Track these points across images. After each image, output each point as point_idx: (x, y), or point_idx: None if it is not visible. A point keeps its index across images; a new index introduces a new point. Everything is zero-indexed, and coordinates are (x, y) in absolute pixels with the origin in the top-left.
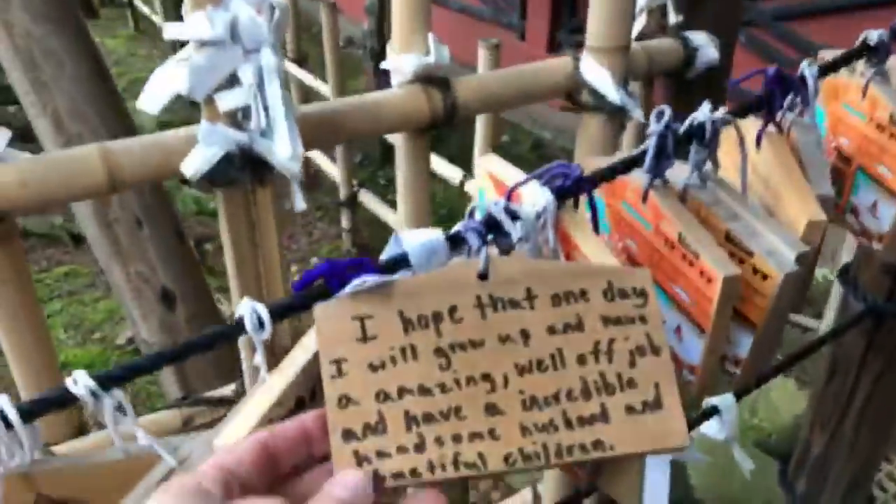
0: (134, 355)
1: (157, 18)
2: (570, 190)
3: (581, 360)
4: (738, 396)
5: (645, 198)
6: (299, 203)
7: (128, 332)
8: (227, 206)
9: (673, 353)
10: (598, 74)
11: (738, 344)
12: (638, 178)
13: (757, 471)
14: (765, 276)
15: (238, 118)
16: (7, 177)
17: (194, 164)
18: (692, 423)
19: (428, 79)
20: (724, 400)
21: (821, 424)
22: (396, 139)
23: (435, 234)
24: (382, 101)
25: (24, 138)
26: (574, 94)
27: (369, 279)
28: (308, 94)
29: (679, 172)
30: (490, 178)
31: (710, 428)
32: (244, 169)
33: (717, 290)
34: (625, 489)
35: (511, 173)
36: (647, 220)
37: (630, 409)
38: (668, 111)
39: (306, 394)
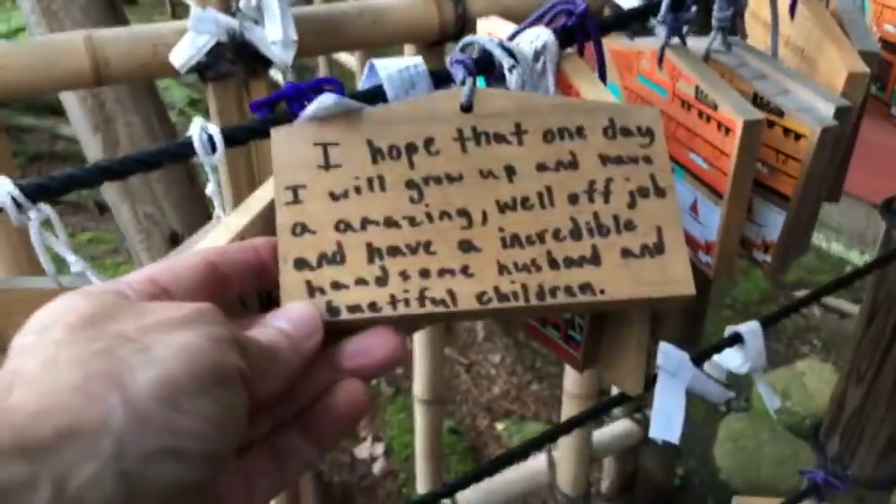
0: None
1: (192, 3)
2: (573, 30)
3: (573, 199)
4: (765, 325)
5: (661, 60)
6: None
7: None
8: (219, 101)
9: (688, 234)
10: None
11: (769, 224)
12: (655, 42)
13: (787, 455)
14: (798, 137)
15: (232, 9)
16: None
17: (184, 54)
18: (711, 353)
19: None
20: (749, 327)
21: (857, 376)
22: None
23: (415, 62)
24: (388, 8)
25: None
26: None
27: (333, 99)
28: (336, 72)
29: (701, 44)
30: None
31: (730, 359)
32: (236, 62)
33: (736, 138)
34: (624, 371)
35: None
36: (663, 86)
37: (626, 253)
38: None
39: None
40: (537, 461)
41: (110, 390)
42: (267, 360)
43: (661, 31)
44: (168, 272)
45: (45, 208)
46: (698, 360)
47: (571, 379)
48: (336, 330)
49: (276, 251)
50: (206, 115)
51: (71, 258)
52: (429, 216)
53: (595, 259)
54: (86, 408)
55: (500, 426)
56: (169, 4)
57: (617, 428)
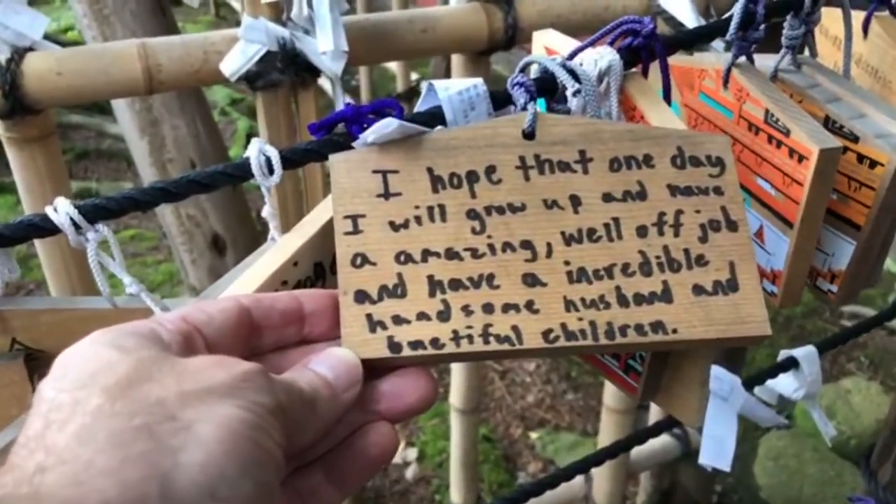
0: None
1: (236, 5)
2: (639, 49)
3: (641, 231)
4: (822, 349)
5: (726, 80)
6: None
7: (186, 295)
8: (267, 110)
9: None
10: (675, 0)
11: (837, 253)
12: (719, 61)
13: (831, 476)
14: (873, 164)
15: (282, 18)
16: (43, 64)
17: (235, 62)
18: (764, 378)
19: None
20: (805, 351)
21: None
22: (454, 67)
23: (475, 83)
24: (438, 17)
25: None
26: None
27: (395, 124)
28: (376, 85)
29: (768, 62)
30: (548, 54)
31: (784, 384)
32: (286, 71)
33: (811, 167)
34: (685, 404)
35: (573, 45)
36: (727, 107)
37: (698, 290)
38: None
39: (326, 261)
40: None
41: (147, 480)
42: (306, 412)
43: (718, 48)
44: (201, 312)
45: (103, 229)
46: (750, 384)
47: (611, 393)
48: (368, 368)
49: (321, 302)
50: (247, 114)
51: (127, 280)
52: (491, 248)
53: (666, 296)
54: (119, 500)
55: (534, 435)
56: (213, 5)
57: (654, 443)
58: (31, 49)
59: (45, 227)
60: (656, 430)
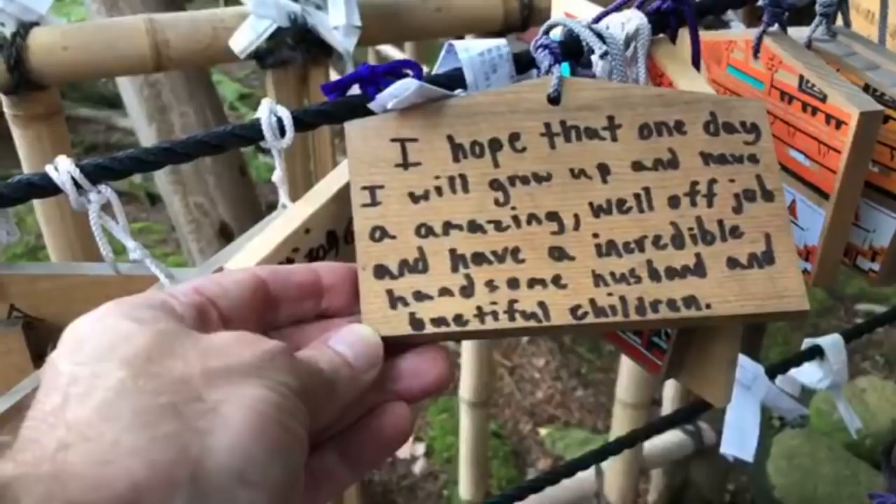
0: None
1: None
2: (667, 14)
3: (673, 202)
4: (848, 338)
5: (757, 49)
6: None
7: None
8: (277, 89)
9: None
10: None
11: (878, 229)
12: (748, 32)
13: (846, 475)
14: None
15: None
16: (49, 38)
17: (244, 39)
18: (787, 367)
19: None
20: (830, 340)
21: None
22: None
23: (498, 44)
24: None
25: None
26: None
27: (415, 84)
28: None
29: (800, 34)
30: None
31: (808, 374)
32: (297, 48)
33: (849, 132)
34: (712, 383)
35: (595, 12)
36: (758, 78)
37: (733, 263)
38: None
39: (340, 230)
40: (586, 472)
41: (177, 463)
42: (326, 394)
43: (736, 25)
44: (214, 283)
45: (106, 191)
46: (772, 373)
47: (624, 387)
48: (388, 345)
49: (338, 275)
50: (256, 110)
51: (130, 244)
52: (515, 220)
53: (699, 269)
54: (148, 482)
55: (543, 431)
56: (222, 3)
57: (667, 439)
58: (36, 24)
59: (44, 187)
60: (673, 421)
